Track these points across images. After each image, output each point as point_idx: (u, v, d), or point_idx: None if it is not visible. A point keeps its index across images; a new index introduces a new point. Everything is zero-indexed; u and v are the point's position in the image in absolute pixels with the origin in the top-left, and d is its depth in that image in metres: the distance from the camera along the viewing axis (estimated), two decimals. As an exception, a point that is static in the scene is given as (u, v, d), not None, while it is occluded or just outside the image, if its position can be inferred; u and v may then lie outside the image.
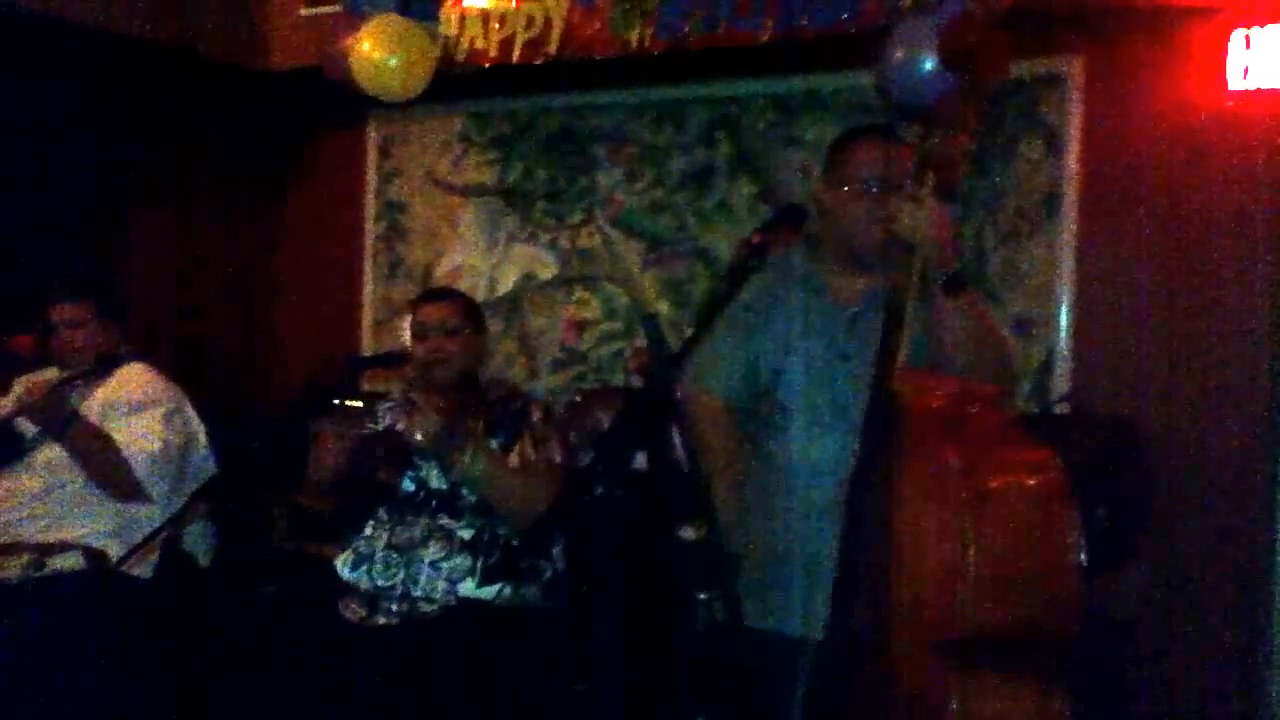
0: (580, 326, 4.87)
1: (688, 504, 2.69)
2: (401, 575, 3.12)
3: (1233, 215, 3.81)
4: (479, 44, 4.49)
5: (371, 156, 5.28)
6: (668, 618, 3.21)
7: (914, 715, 2.12)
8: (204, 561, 3.81)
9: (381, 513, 3.21)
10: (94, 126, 4.66)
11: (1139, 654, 3.71)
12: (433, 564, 3.12)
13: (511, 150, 5.00)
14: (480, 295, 4.77)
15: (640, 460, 3.24)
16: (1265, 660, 3.72)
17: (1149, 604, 3.74)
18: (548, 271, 4.93)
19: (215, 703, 3.45)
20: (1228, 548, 3.75)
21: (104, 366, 3.73)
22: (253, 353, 5.41)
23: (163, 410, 3.70)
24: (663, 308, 4.62)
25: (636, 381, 4.53)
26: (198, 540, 3.79)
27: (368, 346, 5.21)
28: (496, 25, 4.46)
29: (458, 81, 4.60)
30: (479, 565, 3.13)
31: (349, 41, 4.35)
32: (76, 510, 3.60)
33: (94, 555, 3.54)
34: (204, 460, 3.79)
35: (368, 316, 5.29)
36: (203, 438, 3.81)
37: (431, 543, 3.14)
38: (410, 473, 3.22)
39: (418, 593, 3.10)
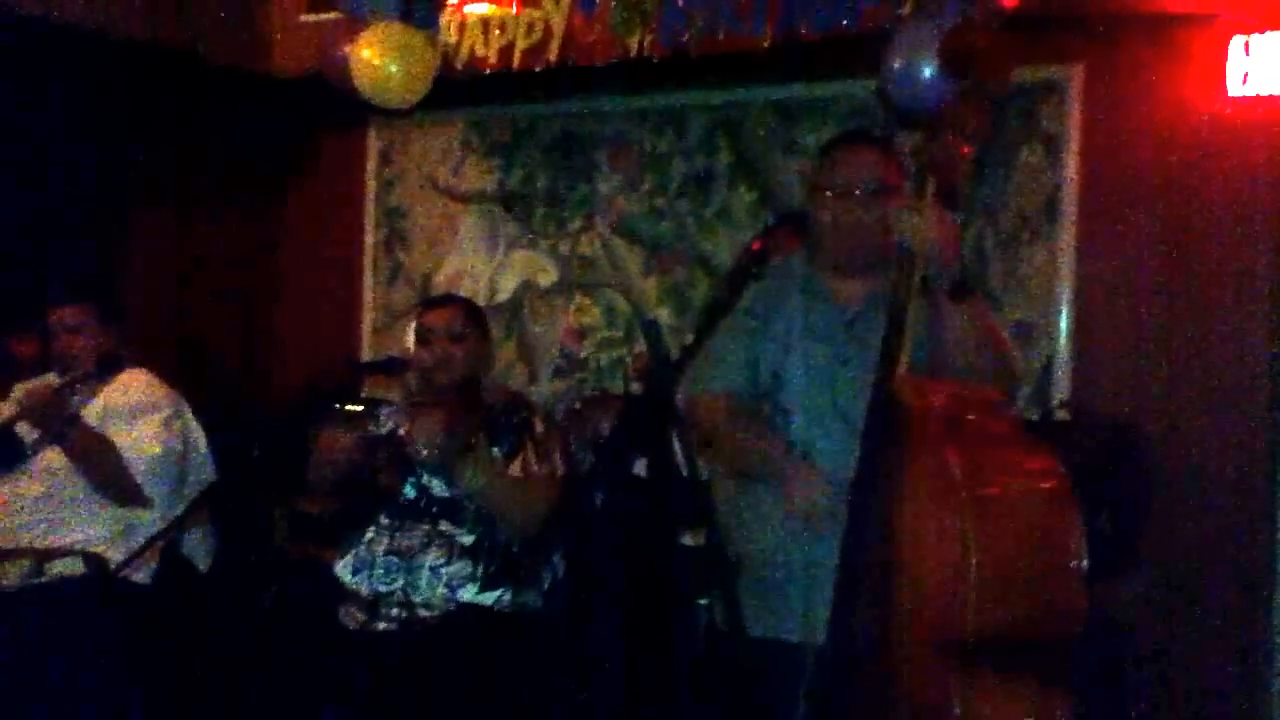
0: (580, 333, 4.87)
1: (688, 509, 2.70)
2: (402, 581, 3.12)
3: (1232, 220, 3.81)
4: (479, 50, 4.49)
5: (372, 162, 5.28)
6: (668, 622, 3.21)
7: (915, 717, 2.13)
8: (203, 566, 3.80)
9: (383, 518, 3.21)
10: (94, 129, 4.66)
11: (1139, 654, 3.72)
12: (433, 569, 3.12)
13: (512, 156, 5.00)
14: (480, 301, 4.75)
15: (640, 466, 3.25)
16: (1265, 660, 3.72)
17: (1149, 604, 3.74)
18: (548, 278, 4.93)
19: (215, 707, 3.45)
20: (1228, 548, 3.76)
21: (104, 370, 3.73)
22: (253, 357, 5.41)
23: (162, 415, 3.70)
24: (663, 314, 4.62)
25: (638, 387, 4.54)
26: (197, 545, 3.78)
27: (367, 351, 5.21)
28: (497, 32, 4.47)
29: (458, 88, 4.61)
30: (480, 571, 3.12)
31: (349, 47, 4.36)
32: (76, 515, 3.60)
33: (94, 560, 3.54)
34: (203, 465, 3.80)
35: (368, 321, 5.29)
36: (202, 443, 3.81)
37: (432, 548, 3.14)
38: (412, 479, 3.21)
39: (418, 598, 3.10)
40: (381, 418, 3.32)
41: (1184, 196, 3.88)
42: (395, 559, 3.14)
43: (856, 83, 4.23)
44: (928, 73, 3.57)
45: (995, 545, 2.04)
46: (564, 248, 4.90)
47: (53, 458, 3.64)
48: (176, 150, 5.00)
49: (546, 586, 3.24)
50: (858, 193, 2.63)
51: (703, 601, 3.17)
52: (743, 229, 4.50)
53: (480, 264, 5.05)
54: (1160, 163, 3.90)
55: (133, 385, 3.76)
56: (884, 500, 2.22)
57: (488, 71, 4.51)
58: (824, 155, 2.80)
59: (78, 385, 3.67)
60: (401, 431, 3.16)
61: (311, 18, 5.04)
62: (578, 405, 4.37)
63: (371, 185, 5.28)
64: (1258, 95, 3.71)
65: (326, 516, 3.46)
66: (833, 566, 2.28)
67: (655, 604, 3.34)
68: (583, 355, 4.86)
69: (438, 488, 3.20)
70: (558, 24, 4.38)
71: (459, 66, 4.52)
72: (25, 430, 3.69)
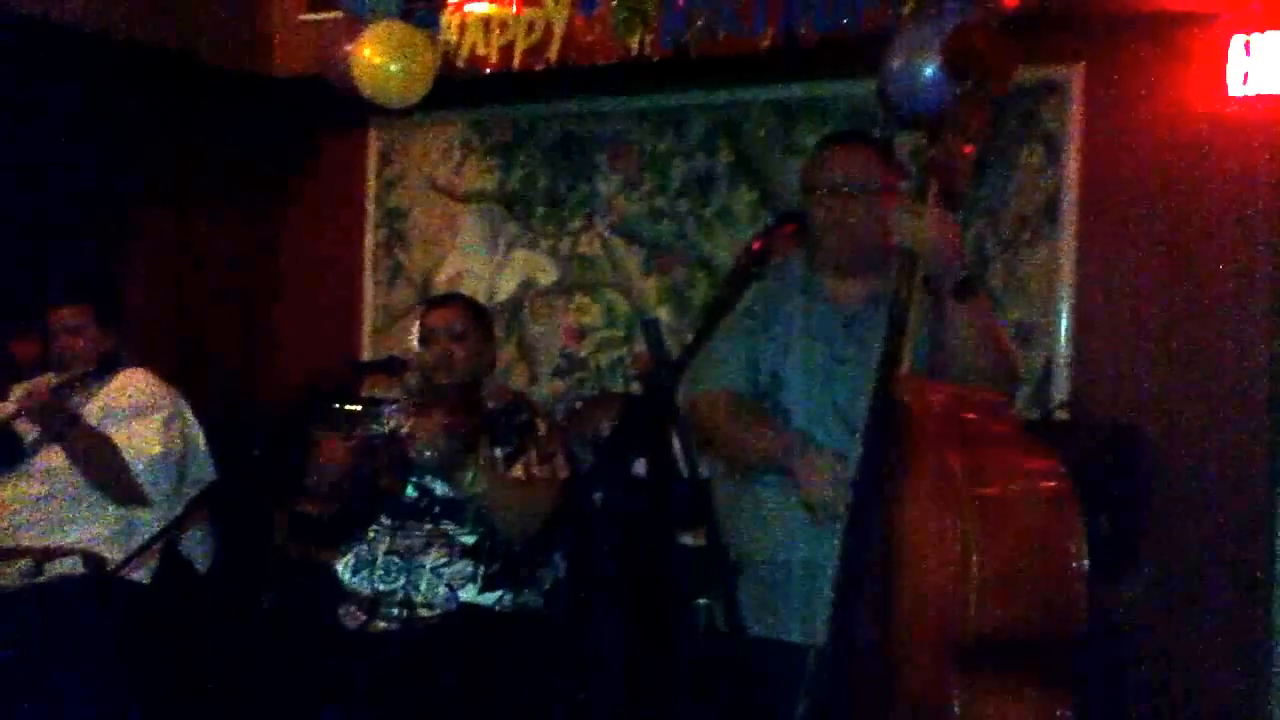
0: (580, 332, 4.87)
1: (688, 509, 2.69)
2: (403, 580, 3.12)
3: (1233, 220, 3.81)
4: (480, 50, 4.49)
5: (372, 162, 5.28)
6: (668, 623, 3.21)
7: (915, 717, 2.13)
8: (203, 566, 3.80)
9: (384, 518, 3.21)
10: (95, 130, 4.66)
11: (1139, 654, 3.72)
12: (434, 570, 3.12)
13: (512, 157, 5.00)
14: (480, 301, 4.76)
15: (639, 466, 3.24)
16: (1265, 660, 3.72)
17: (1149, 605, 3.75)
18: (548, 278, 4.93)
19: (215, 706, 3.44)
20: (1228, 548, 3.76)
21: (103, 370, 3.74)
22: (252, 357, 5.40)
23: (162, 415, 3.70)
24: (663, 314, 4.62)
25: (638, 387, 4.54)
26: (196, 545, 3.79)
27: (368, 351, 5.21)
28: (497, 31, 4.46)
29: (459, 88, 4.60)
30: (481, 572, 3.12)
31: (350, 47, 4.36)
32: (75, 515, 3.60)
33: (93, 560, 3.54)
34: (203, 465, 3.80)
35: (368, 322, 5.29)
36: (202, 442, 3.82)
37: (433, 549, 3.14)
38: (414, 479, 3.21)
39: (418, 598, 3.10)
40: (384, 416, 3.32)
41: (1184, 196, 3.88)
42: (396, 559, 3.14)
43: (857, 83, 4.22)
44: (928, 73, 3.57)
45: (996, 546, 2.04)
46: (564, 247, 4.90)
47: (52, 458, 3.64)
48: (176, 150, 4.99)
49: (547, 587, 3.24)
50: (847, 190, 2.64)
51: (702, 601, 3.17)
52: (743, 229, 4.50)
53: (480, 264, 5.05)
54: (1161, 162, 3.90)
55: (132, 385, 3.76)
56: (885, 501, 2.22)
57: (488, 71, 4.50)
58: (815, 155, 2.81)
59: (76, 384, 3.67)
60: (404, 430, 3.16)
61: (312, 17, 5.04)
62: (578, 405, 4.37)
63: (372, 185, 5.28)
64: (1258, 95, 3.71)
65: (326, 518, 3.46)
66: (833, 566, 2.28)
67: (655, 604, 3.34)
68: (583, 355, 4.86)
69: (439, 488, 3.19)
70: (558, 24, 4.38)
71: (459, 66, 4.52)
72: (25, 430, 3.69)
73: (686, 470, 2.29)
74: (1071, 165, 4.05)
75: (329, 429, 3.27)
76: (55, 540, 3.57)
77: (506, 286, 4.99)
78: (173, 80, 4.85)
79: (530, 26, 4.42)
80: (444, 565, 3.12)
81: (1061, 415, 3.96)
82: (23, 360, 3.98)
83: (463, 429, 3.04)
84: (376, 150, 5.27)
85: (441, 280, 5.10)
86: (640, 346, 4.57)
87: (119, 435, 3.62)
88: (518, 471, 3.19)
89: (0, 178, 4.25)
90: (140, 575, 3.57)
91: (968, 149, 2.35)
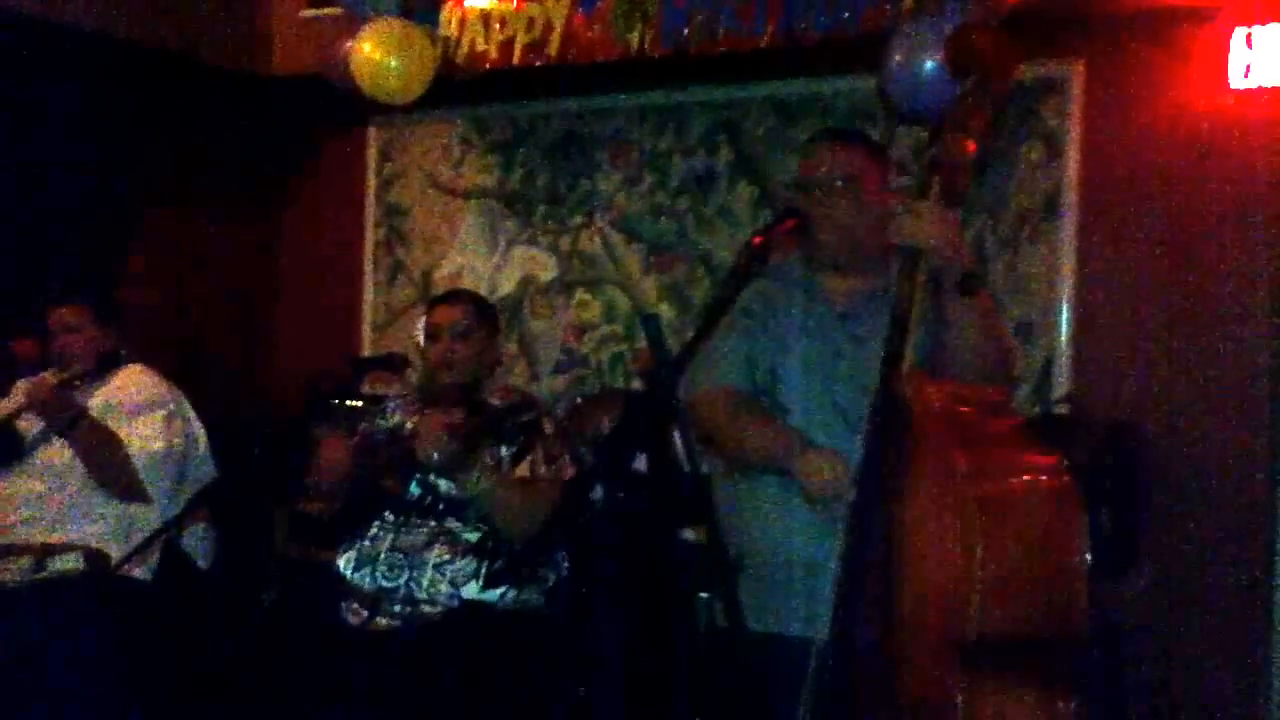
0: (581, 329, 4.87)
1: (689, 505, 2.69)
2: (405, 577, 3.12)
3: (1234, 215, 3.81)
4: (479, 46, 4.48)
5: (372, 160, 5.28)
6: (668, 619, 3.21)
7: (917, 717, 2.12)
8: (203, 563, 3.80)
9: (387, 514, 3.21)
10: (95, 130, 4.66)
11: (1139, 654, 3.71)
12: (437, 566, 3.11)
13: (512, 154, 5.00)
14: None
15: (640, 462, 3.24)
16: (1265, 660, 3.72)
17: (1149, 604, 3.74)
18: (548, 274, 4.93)
19: (215, 703, 3.45)
20: (1228, 548, 3.76)
21: (102, 369, 3.73)
22: (252, 357, 5.41)
23: (163, 412, 3.71)
24: (663, 311, 4.62)
25: (639, 384, 4.54)
26: (197, 542, 3.79)
27: (368, 349, 5.21)
28: (497, 27, 4.46)
29: (459, 86, 4.60)
30: (483, 569, 3.12)
31: (350, 43, 4.36)
32: (76, 512, 3.60)
33: (94, 556, 3.54)
34: (203, 462, 3.80)
35: (368, 320, 5.29)
36: (202, 440, 3.82)
37: (436, 545, 3.13)
38: (418, 476, 3.21)
39: (421, 595, 3.10)
40: (387, 411, 3.32)
41: (1185, 193, 3.88)
42: (399, 555, 3.14)
43: (857, 80, 4.22)
44: (928, 71, 3.57)
45: (998, 545, 2.03)
46: (564, 244, 4.90)
47: (53, 454, 3.65)
48: (176, 150, 5.00)
49: (550, 584, 3.24)
50: (834, 186, 2.65)
51: (703, 595, 3.17)
52: (743, 227, 4.50)
53: (480, 261, 5.05)
54: (1161, 159, 3.90)
55: (132, 382, 3.76)
56: (886, 499, 2.21)
57: (487, 67, 4.50)
58: (801, 153, 2.83)
59: (76, 382, 3.67)
60: (407, 427, 3.16)
61: (312, 13, 5.04)
62: (578, 402, 4.37)
63: (372, 183, 5.28)
64: (1260, 88, 3.70)
65: (327, 518, 3.46)
66: (834, 562, 2.28)
67: (656, 600, 3.34)
68: (583, 352, 4.85)
69: (443, 485, 3.19)
70: (558, 21, 4.38)
71: (458, 62, 4.51)
72: (26, 426, 3.69)
73: (688, 466, 2.29)
74: (1072, 162, 4.05)
75: (330, 426, 3.27)
76: (56, 537, 3.57)
77: (506, 283, 4.99)
78: (173, 80, 4.85)
79: (530, 23, 4.41)
80: (447, 562, 3.12)
81: (1061, 410, 3.96)
82: (22, 359, 3.98)
83: (467, 429, 3.03)
84: (376, 148, 5.27)
85: (441, 277, 5.10)
86: (641, 343, 4.57)
87: (121, 432, 3.62)
88: (522, 470, 3.19)
89: (0, 178, 4.25)
90: (141, 573, 3.57)
91: (970, 147, 2.34)
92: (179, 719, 3.58)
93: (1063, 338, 4.06)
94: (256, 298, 5.45)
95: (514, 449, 3.20)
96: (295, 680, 3.06)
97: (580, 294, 4.87)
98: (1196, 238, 3.86)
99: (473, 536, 3.14)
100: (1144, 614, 3.74)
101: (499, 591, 3.13)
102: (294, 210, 5.45)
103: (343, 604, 3.16)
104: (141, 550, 3.37)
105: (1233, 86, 3.73)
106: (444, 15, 4.53)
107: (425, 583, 3.10)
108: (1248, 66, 3.70)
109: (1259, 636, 3.73)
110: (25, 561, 3.50)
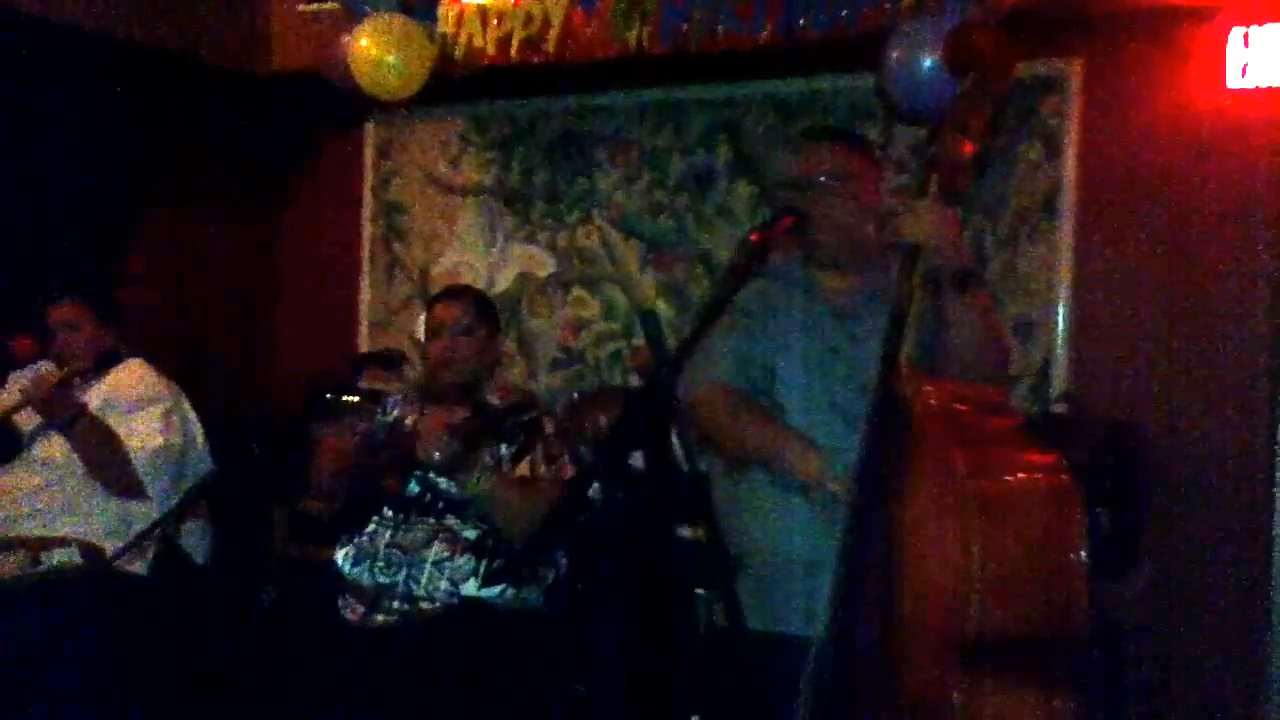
0: (578, 326, 4.87)
1: (687, 504, 2.69)
2: (404, 574, 3.12)
3: (1232, 215, 3.81)
4: (477, 41, 4.48)
5: (370, 157, 5.27)
6: (667, 617, 3.21)
7: (916, 716, 2.12)
8: (201, 559, 3.80)
9: (386, 511, 3.21)
10: (95, 130, 4.66)
11: (1139, 654, 3.72)
12: (436, 564, 3.11)
13: (511, 152, 5.00)
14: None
15: (637, 459, 3.24)
16: (1265, 660, 3.72)
17: (1149, 604, 3.74)
18: (546, 271, 4.93)
19: (215, 703, 3.45)
20: (1227, 548, 3.76)
21: (101, 366, 3.74)
22: (252, 354, 5.41)
23: (162, 408, 3.71)
24: (662, 309, 4.62)
25: (637, 381, 4.54)
26: (195, 538, 3.79)
27: (365, 347, 5.20)
28: (495, 23, 4.45)
29: (457, 83, 4.60)
30: (482, 567, 3.12)
31: (347, 39, 4.36)
32: (73, 507, 3.61)
33: (91, 551, 3.54)
34: (201, 459, 3.80)
35: (366, 317, 5.29)
36: (201, 438, 3.82)
37: (435, 543, 3.14)
38: (417, 473, 3.21)
39: (419, 592, 3.10)
40: (388, 406, 3.32)
41: (1184, 191, 3.88)
42: (398, 552, 3.14)
43: (856, 78, 4.23)
44: (927, 70, 3.57)
45: (998, 544, 2.03)
46: (562, 240, 4.90)
47: (50, 449, 3.65)
48: (176, 150, 4.99)
49: (549, 583, 3.24)
50: (819, 184, 2.65)
51: (701, 592, 3.17)
52: (742, 225, 4.50)
53: (478, 258, 5.05)
54: (1160, 157, 3.91)
55: (131, 378, 3.76)
56: (885, 498, 2.21)
57: (485, 63, 4.50)
58: (790, 152, 2.85)
59: (76, 380, 3.67)
60: (408, 424, 3.16)
61: (311, 8, 5.04)
62: (575, 398, 4.36)
63: (369, 179, 5.27)
64: (1257, 87, 3.71)
65: (326, 517, 3.46)
66: (833, 561, 2.28)
67: (655, 598, 3.34)
68: (580, 349, 4.85)
69: (443, 483, 3.19)
70: (556, 17, 4.37)
71: (456, 57, 4.50)
72: (23, 421, 3.69)
73: (686, 465, 2.29)
74: (1070, 161, 4.05)
75: (329, 423, 3.27)
76: (53, 532, 3.57)
77: (504, 281, 4.98)
78: (172, 80, 4.85)
79: (528, 18, 4.40)
80: (445, 560, 3.12)
81: (1059, 409, 3.96)
82: (21, 357, 3.98)
83: (468, 429, 3.03)
84: (374, 144, 5.26)
85: (439, 274, 5.09)
86: (638, 340, 4.57)
87: (120, 427, 3.62)
88: (522, 470, 3.19)
89: (0, 178, 4.25)
90: (138, 567, 3.57)
91: (969, 146, 2.34)
92: (178, 718, 3.58)
93: (1061, 336, 4.06)
94: (256, 297, 5.44)
95: (514, 448, 3.20)
96: (294, 679, 3.06)
97: (578, 291, 4.87)
98: (1195, 237, 3.86)
99: (472, 534, 3.14)
100: (1144, 614, 3.74)
101: (498, 589, 3.13)
102: (293, 208, 5.45)
103: (341, 600, 3.17)
104: (138, 543, 3.37)
105: (1230, 86, 3.73)
106: (442, 11, 4.53)
107: (424, 580, 3.10)
108: (1245, 66, 3.71)
109: (1259, 636, 3.73)
110: (22, 556, 3.50)
